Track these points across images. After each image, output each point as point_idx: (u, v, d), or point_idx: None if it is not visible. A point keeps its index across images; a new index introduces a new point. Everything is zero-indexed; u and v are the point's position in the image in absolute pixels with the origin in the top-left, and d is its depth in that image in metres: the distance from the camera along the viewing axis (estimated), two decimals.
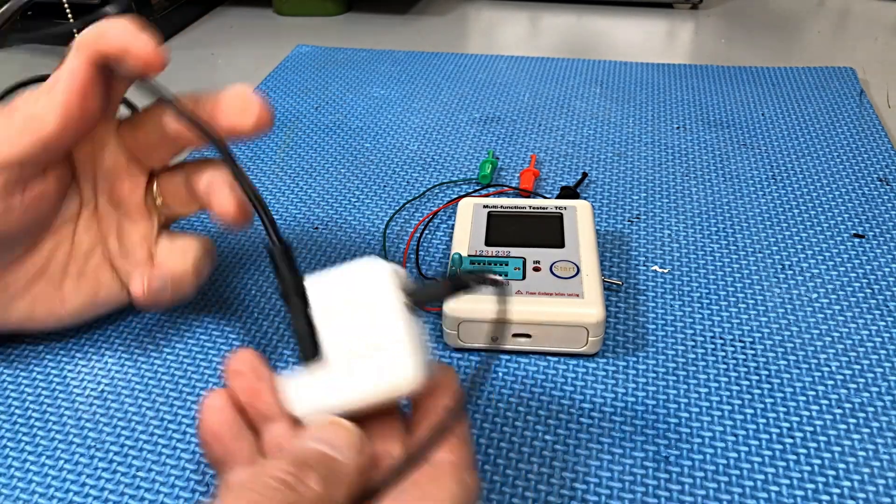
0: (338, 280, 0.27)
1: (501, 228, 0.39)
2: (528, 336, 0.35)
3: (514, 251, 0.37)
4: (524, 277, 0.36)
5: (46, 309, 0.33)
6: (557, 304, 0.34)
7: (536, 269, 0.36)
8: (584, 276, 0.36)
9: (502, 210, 0.40)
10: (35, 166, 0.30)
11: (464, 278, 0.25)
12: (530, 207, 0.41)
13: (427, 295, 0.26)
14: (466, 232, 0.39)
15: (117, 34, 0.28)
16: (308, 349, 0.26)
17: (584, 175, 0.49)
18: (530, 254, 0.37)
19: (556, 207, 0.40)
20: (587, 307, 0.34)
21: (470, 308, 0.34)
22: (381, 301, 0.25)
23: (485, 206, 0.41)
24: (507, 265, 0.36)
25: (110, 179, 0.33)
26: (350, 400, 0.25)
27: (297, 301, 0.26)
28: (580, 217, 0.40)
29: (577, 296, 0.34)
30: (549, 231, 0.39)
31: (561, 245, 0.38)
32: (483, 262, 0.37)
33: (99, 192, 0.33)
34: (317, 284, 0.27)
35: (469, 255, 0.37)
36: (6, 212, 0.29)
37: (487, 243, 0.38)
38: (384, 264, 0.26)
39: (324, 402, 0.25)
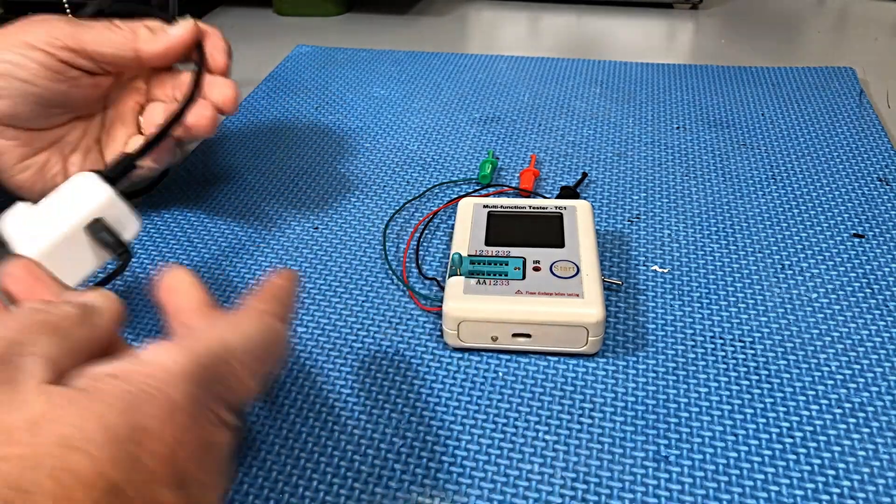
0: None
1: (501, 228, 0.39)
2: (528, 336, 0.35)
3: (514, 251, 0.37)
4: (524, 277, 0.36)
5: (50, 175, 0.40)
6: (557, 304, 0.34)
7: (536, 269, 0.36)
8: (584, 275, 0.36)
9: (502, 210, 0.40)
10: (103, 66, 0.39)
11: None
12: (530, 207, 0.41)
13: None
14: (466, 232, 0.39)
15: (218, 41, 0.44)
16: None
17: (584, 175, 0.49)
18: (530, 254, 0.37)
19: (556, 207, 0.40)
20: (587, 307, 0.34)
21: (470, 308, 0.34)
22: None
23: (485, 206, 0.41)
24: (507, 265, 0.36)
25: (128, 93, 0.43)
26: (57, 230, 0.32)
27: None
28: (580, 217, 0.40)
29: (577, 296, 0.34)
30: (549, 231, 0.39)
31: (561, 245, 0.38)
32: (483, 262, 0.37)
33: (116, 100, 0.43)
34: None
35: (469, 255, 0.37)
36: (72, 85, 0.38)
37: (487, 243, 0.38)
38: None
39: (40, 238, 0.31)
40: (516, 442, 0.32)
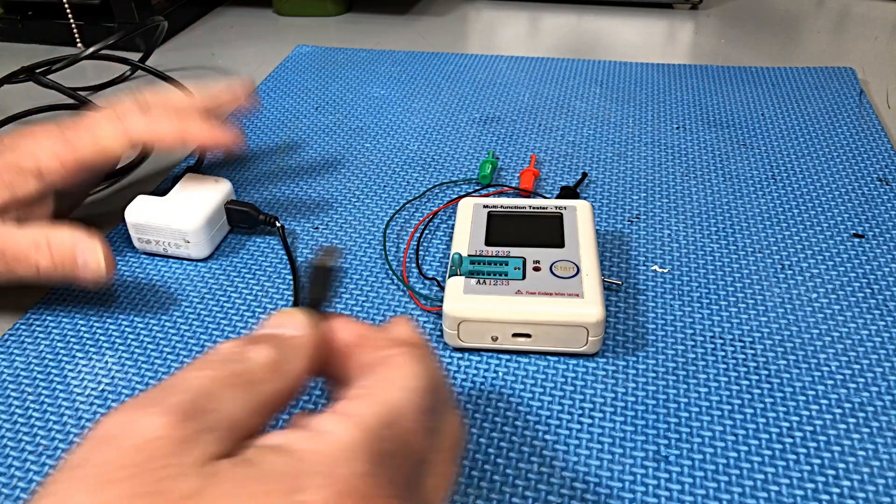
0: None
1: (501, 228, 0.39)
2: (528, 336, 0.35)
3: (514, 251, 0.37)
4: (524, 277, 0.36)
5: None
6: (557, 304, 0.34)
7: (536, 269, 0.36)
8: (584, 275, 0.36)
9: (502, 210, 0.40)
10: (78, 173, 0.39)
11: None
12: (530, 207, 0.41)
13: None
14: (466, 232, 0.39)
15: (208, 134, 0.42)
16: None
17: (584, 175, 0.49)
18: (530, 253, 0.37)
19: (555, 207, 0.40)
20: (587, 307, 0.34)
21: (470, 308, 0.34)
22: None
23: (485, 206, 0.41)
24: (506, 265, 0.36)
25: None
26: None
27: None
28: (580, 217, 0.40)
29: (577, 295, 0.34)
30: (548, 231, 0.39)
31: (561, 245, 0.38)
32: (483, 262, 0.37)
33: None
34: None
35: (469, 255, 0.37)
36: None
37: (487, 243, 0.38)
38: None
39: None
40: (516, 442, 0.32)
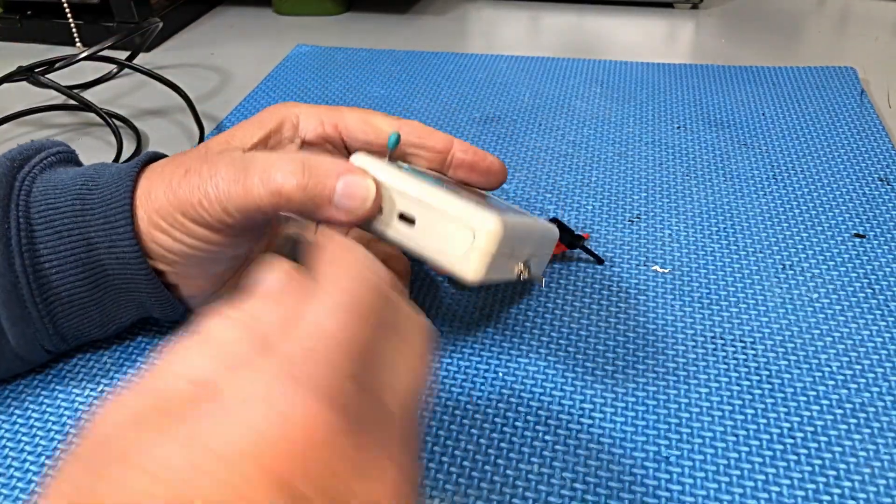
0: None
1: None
2: (412, 222, 0.31)
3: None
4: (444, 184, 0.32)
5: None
6: (460, 200, 0.30)
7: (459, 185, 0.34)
8: (504, 207, 0.33)
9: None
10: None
11: None
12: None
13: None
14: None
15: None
16: None
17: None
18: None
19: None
20: (488, 213, 0.29)
21: (381, 168, 0.31)
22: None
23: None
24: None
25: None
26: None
27: None
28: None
29: (487, 207, 0.31)
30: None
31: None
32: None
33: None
34: None
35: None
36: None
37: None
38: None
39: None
40: (516, 442, 0.32)
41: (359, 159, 0.31)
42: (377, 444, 0.20)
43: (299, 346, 0.20)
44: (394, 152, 0.33)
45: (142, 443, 0.18)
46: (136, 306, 0.34)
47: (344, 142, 0.36)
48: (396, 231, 0.31)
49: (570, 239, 0.41)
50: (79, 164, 0.36)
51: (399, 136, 0.33)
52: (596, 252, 0.42)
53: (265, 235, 0.36)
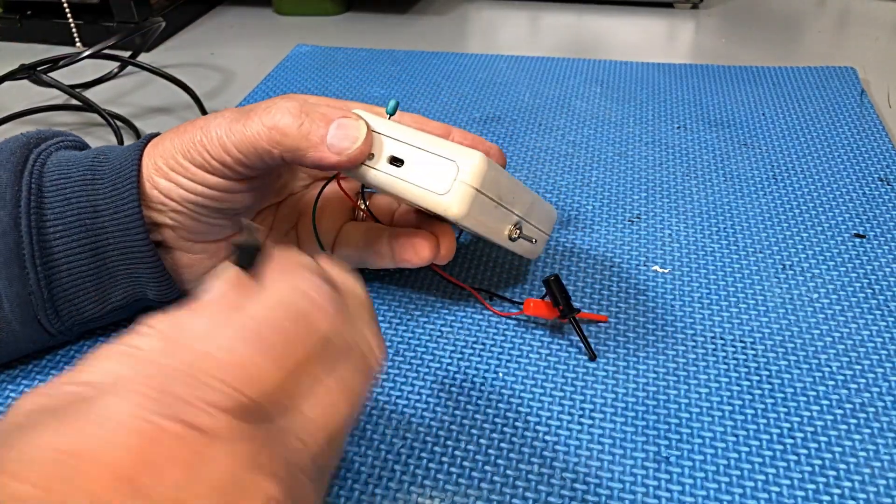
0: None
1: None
2: (401, 164, 0.32)
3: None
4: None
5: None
6: (446, 144, 0.32)
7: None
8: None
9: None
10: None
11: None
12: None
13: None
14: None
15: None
16: None
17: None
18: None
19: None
20: (473, 151, 0.31)
21: (374, 120, 0.33)
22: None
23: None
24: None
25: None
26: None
27: None
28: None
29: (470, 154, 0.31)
30: None
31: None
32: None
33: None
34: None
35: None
36: (236, 192, 0.33)
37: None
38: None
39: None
40: (516, 442, 0.32)
41: (356, 111, 0.32)
42: (257, 466, 0.20)
43: (178, 359, 0.21)
44: (392, 117, 0.34)
45: (18, 434, 0.19)
46: (132, 282, 0.34)
47: None
48: (385, 174, 0.32)
49: (564, 305, 0.36)
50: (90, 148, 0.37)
51: (398, 103, 0.34)
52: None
53: (266, 198, 0.37)
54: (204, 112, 0.56)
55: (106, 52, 0.57)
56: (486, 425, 0.32)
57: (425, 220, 0.37)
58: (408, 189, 0.31)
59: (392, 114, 0.34)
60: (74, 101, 0.58)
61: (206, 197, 0.33)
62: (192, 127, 0.32)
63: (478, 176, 0.31)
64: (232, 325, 0.22)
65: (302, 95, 0.35)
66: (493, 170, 0.31)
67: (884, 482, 0.30)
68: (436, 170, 0.31)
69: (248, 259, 0.25)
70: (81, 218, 0.32)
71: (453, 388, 0.34)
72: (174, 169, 0.32)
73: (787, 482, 0.30)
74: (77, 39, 0.73)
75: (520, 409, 0.33)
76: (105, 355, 0.21)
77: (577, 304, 0.39)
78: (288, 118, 0.31)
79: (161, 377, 0.20)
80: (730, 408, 0.33)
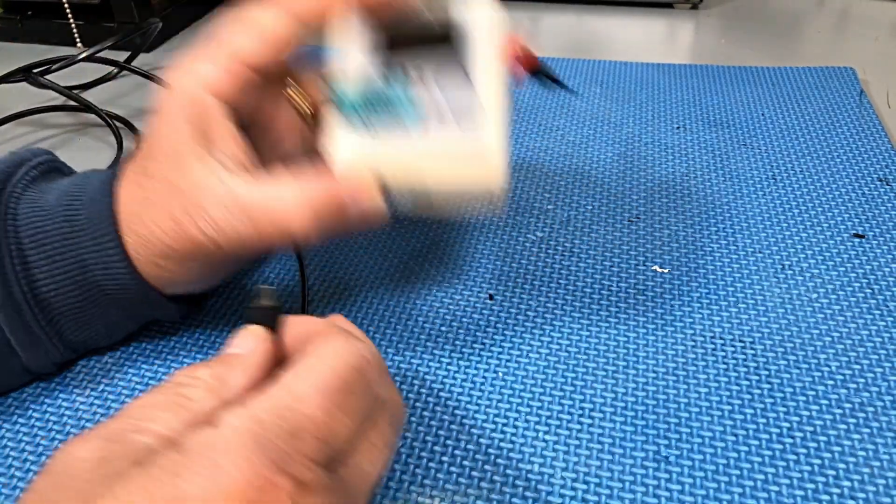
0: None
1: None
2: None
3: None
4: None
5: None
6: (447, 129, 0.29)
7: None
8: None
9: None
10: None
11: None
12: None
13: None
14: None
15: None
16: None
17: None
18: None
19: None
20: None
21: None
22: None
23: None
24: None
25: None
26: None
27: None
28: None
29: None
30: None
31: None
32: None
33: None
34: None
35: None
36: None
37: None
38: None
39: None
40: (516, 442, 0.32)
41: (341, 155, 0.29)
42: None
43: (271, 412, 0.21)
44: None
45: (102, 485, 0.19)
46: (141, 317, 0.35)
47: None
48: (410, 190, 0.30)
49: (530, 65, 0.35)
50: (62, 170, 0.35)
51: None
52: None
53: None
54: None
55: (103, 54, 0.57)
56: (486, 425, 0.32)
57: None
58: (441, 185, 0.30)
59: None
60: (72, 103, 0.58)
61: (206, 269, 0.32)
62: (171, 222, 0.29)
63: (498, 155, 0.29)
64: (307, 380, 0.23)
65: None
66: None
67: (883, 481, 0.30)
68: (459, 161, 0.29)
69: (269, 321, 0.26)
70: (70, 274, 0.31)
71: (453, 388, 0.34)
72: (166, 264, 0.31)
73: (787, 481, 0.30)
74: (77, 40, 0.73)
75: (520, 408, 0.33)
76: (153, 402, 0.22)
77: (576, 303, 0.39)
78: (305, 223, 0.29)
79: (259, 428, 0.21)
80: (729, 407, 0.33)
